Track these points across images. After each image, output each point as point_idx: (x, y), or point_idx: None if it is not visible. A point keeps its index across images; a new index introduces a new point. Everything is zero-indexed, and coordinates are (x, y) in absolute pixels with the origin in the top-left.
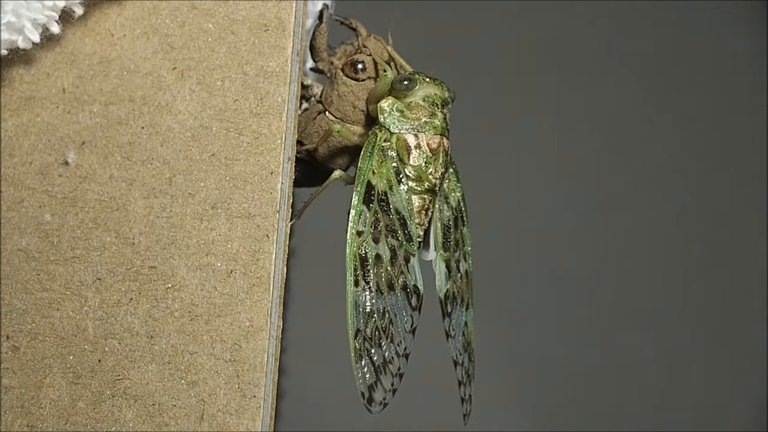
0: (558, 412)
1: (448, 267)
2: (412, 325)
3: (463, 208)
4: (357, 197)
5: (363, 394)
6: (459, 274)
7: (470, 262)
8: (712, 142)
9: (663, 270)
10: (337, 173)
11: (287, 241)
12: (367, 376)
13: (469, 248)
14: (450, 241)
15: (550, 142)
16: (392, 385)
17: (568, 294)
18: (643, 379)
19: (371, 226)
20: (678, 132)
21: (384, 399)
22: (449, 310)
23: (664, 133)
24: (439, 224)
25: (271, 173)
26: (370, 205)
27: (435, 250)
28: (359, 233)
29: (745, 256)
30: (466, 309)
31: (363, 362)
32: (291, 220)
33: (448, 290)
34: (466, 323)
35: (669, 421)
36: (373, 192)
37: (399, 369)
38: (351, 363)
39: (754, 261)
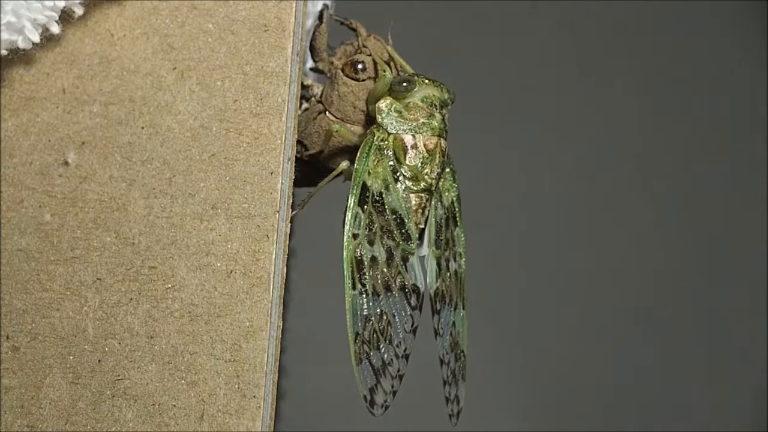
0: (558, 412)
1: (438, 265)
2: (412, 325)
3: (456, 209)
4: (353, 199)
5: (365, 397)
6: (448, 273)
7: (461, 263)
8: (713, 142)
9: (663, 270)
10: (345, 164)
11: (287, 241)
12: (368, 379)
13: (461, 249)
14: (441, 239)
15: (550, 142)
16: (392, 387)
17: (567, 294)
18: (643, 379)
19: (366, 228)
20: (678, 132)
21: (385, 401)
22: (438, 308)
23: (664, 133)
24: (433, 221)
25: (271, 173)
26: (365, 206)
27: (428, 246)
28: (354, 236)
29: (745, 256)
30: (455, 309)
31: (363, 365)
32: (294, 210)
33: (437, 288)
34: (453, 323)
35: (669, 421)
36: (367, 194)
37: (399, 371)
38: (352, 365)
39: (754, 261)
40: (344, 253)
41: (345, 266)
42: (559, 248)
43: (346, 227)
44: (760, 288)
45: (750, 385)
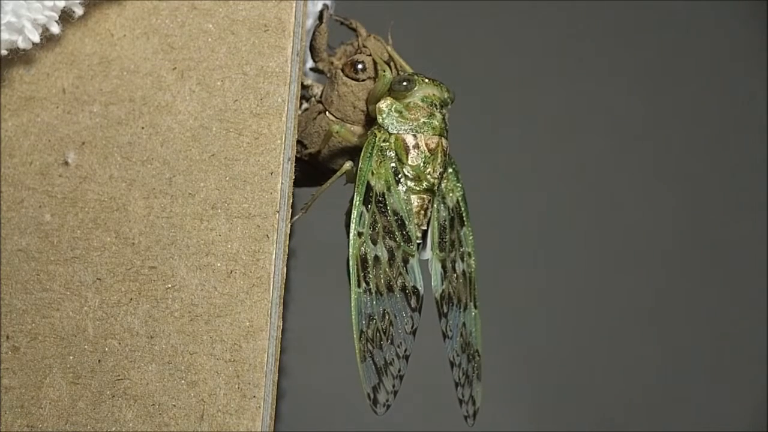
0: (558, 412)
1: (443, 267)
2: (412, 327)
3: (462, 208)
4: (358, 198)
5: (369, 395)
6: (455, 275)
7: (470, 262)
8: (712, 142)
9: (663, 270)
10: (348, 164)
11: (287, 241)
12: (371, 377)
13: (470, 249)
14: (445, 242)
15: (550, 142)
16: (393, 386)
17: (568, 294)
18: (643, 379)
19: (370, 228)
20: (678, 132)
21: (387, 400)
22: (445, 310)
23: (663, 133)
24: (436, 224)
25: (271, 173)
26: (369, 206)
27: (431, 249)
28: (359, 234)
29: (745, 256)
30: (464, 310)
31: (366, 363)
32: (298, 213)
33: (443, 291)
34: (464, 324)
35: (669, 421)
36: (371, 193)
37: (399, 371)
38: (357, 364)
39: (754, 261)
40: (350, 251)
41: (351, 263)
42: (559, 248)
43: (352, 225)
44: (760, 288)
45: (750, 385)
